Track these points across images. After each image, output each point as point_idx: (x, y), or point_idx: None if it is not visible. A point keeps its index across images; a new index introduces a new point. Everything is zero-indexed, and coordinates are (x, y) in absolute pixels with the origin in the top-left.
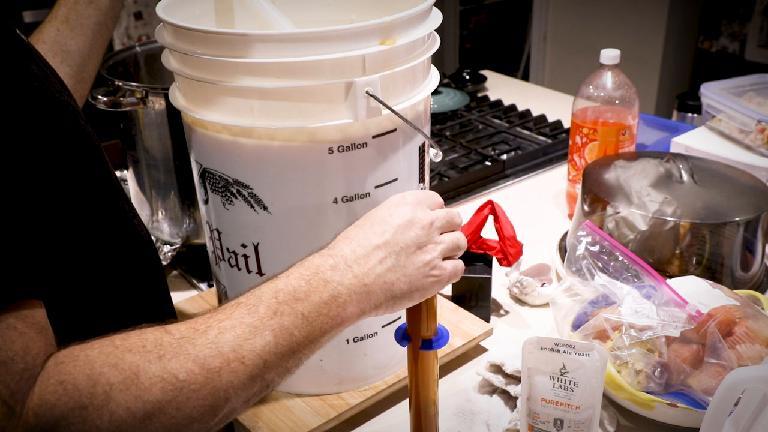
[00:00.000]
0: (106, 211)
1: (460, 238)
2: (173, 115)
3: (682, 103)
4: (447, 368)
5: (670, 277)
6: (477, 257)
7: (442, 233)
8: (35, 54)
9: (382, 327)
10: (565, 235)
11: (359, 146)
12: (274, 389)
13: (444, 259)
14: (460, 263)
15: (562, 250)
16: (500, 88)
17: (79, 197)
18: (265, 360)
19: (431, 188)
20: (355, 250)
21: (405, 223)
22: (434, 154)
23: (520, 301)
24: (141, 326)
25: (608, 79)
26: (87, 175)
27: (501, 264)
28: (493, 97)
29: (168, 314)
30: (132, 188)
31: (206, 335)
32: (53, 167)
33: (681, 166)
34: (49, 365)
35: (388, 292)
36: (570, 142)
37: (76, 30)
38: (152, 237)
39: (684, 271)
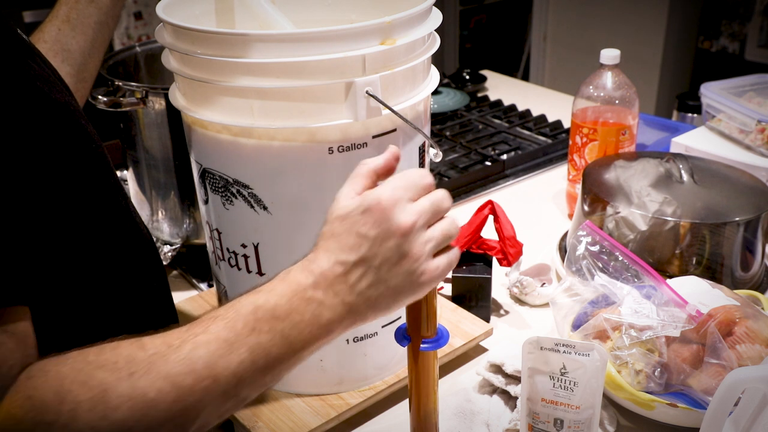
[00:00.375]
0: (107, 211)
1: (449, 227)
2: (173, 115)
3: (682, 103)
4: (447, 368)
5: (670, 277)
6: (477, 257)
7: (429, 226)
8: (36, 54)
9: (382, 327)
10: (565, 235)
11: (359, 146)
12: (251, 400)
13: (435, 254)
14: (454, 252)
15: (562, 250)
16: (500, 88)
17: (79, 197)
18: (240, 377)
19: None
20: (333, 268)
21: (381, 233)
22: (434, 154)
23: (520, 301)
24: (118, 338)
25: (608, 79)
26: (87, 175)
27: (501, 264)
28: (493, 97)
29: (169, 314)
30: (132, 188)
31: (180, 351)
32: (52, 167)
33: (681, 166)
34: (20, 379)
35: (373, 307)
36: (570, 142)
37: (78, 29)
38: (152, 237)
39: (684, 271)
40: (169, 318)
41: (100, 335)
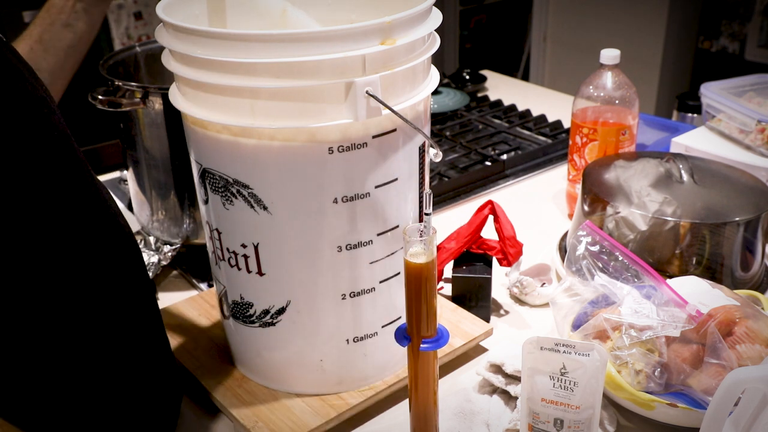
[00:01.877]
0: (71, 201)
1: None
2: (173, 115)
3: (682, 103)
4: (447, 368)
5: (670, 277)
6: (477, 257)
7: None
8: (7, 49)
9: (382, 327)
10: (565, 235)
11: (359, 146)
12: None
13: None
14: None
15: (562, 250)
16: (500, 88)
17: (34, 189)
18: None
19: (431, 188)
20: None
21: None
22: (434, 154)
23: (520, 301)
24: None
25: (608, 79)
26: (45, 165)
27: (501, 264)
28: (493, 97)
29: (152, 319)
30: (132, 188)
31: None
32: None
33: (681, 166)
34: None
35: None
36: (570, 142)
37: (50, 51)
38: (152, 236)
39: (684, 271)
40: (154, 324)
41: (75, 345)
